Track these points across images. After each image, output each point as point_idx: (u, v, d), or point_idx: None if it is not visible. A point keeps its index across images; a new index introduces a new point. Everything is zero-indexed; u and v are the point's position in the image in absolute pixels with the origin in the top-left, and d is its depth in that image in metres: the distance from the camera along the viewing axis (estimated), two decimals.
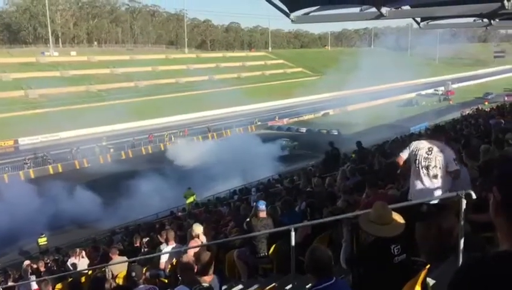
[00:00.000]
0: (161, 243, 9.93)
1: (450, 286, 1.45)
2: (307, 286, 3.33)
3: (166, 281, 8.46)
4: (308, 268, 3.26)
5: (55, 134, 49.35)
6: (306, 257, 3.31)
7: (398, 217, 4.03)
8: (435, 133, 5.85)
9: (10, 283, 13.32)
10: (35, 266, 15.17)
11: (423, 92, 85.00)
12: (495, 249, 1.57)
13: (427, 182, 5.21)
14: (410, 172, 5.42)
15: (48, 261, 17.10)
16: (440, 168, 5.17)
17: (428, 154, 5.24)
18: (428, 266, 3.86)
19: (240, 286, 7.46)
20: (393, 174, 7.91)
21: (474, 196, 4.13)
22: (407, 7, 6.79)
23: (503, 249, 1.51)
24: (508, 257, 1.44)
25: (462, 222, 4.24)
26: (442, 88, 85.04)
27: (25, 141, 47.30)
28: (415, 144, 5.46)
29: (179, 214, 20.43)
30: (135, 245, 12.87)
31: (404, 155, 5.55)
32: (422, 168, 5.24)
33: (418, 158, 5.28)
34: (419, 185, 5.26)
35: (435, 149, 5.25)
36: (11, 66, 69.78)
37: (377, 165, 10.88)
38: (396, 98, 79.30)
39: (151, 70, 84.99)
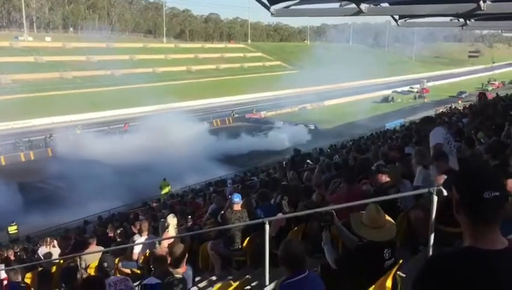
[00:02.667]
0: (134, 233, 9.85)
1: (414, 283, 1.49)
2: (280, 279, 3.33)
3: (139, 272, 8.39)
4: (282, 261, 3.27)
5: (27, 121, 48.17)
6: (280, 250, 3.32)
7: (390, 220, 4.06)
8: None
9: None
10: (4, 254, 14.89)
11: (399, 90, 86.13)
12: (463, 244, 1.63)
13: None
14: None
15: (18, 250, 16.78)
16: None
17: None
18: (400, 261, 3.93)
19: (213, 278, 7.45)
20: (367, 169, 8.01)
21: (445, 193, 4.20)
22: (385, 4, 6.86)
23: (466, 245, 1.56)
24: (469, 253, 1.49)
25: (433, 218, 4.31)
26: (418, 86, 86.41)
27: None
28: (440, 128, 6.41)
29: (154, 204, 20.27)
30: (109, 235, 12.73)
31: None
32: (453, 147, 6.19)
33: (450, 140, 6.13)
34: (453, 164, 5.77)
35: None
36: None
37: (352, 160, 10.99)
38: (372, 94, 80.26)
39: (129, 58, 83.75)
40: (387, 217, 4.10)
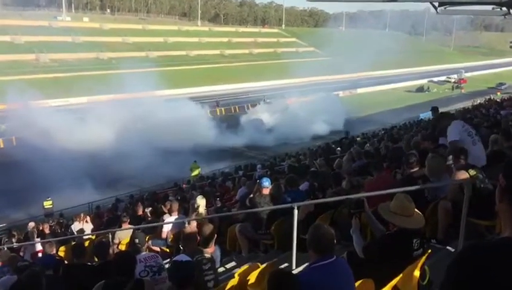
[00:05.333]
0: (164, 213, 10.06)
1: (449, 268, 1.48)
2: (308, 263, 3.36)
3: (167, 250, 8.59)
4: (310, 245, 3.29)
5: (64, 99, 49.34)
6: (309, 234, 3.33)
7: (417, 211, 4.04)
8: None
9: (14, 243, 13.57)
10: (40, 228, 15.45)
11: (435, 79, 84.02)
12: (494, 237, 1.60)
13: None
14: None
15: (53, 224, 17.39)
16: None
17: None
18: (429, 251, 3.90)
19: (240, 260, 7.56)
20: (399, 159, 7.92)
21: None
22: None
23: (505, 236, 1.54)
24: (509, 244, 1.47)
25: (465, 209, 4.25)
26: (455, 76, 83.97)
27: (35, 104, 47.25)
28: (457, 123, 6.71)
29: (184, 186, 20.57)
30: (138, 214, 13.03)
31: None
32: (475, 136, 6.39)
33: (470, 131, 6.44)
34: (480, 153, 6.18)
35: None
36: (23, 28, 69.62)
37: (383, 149, 10.87)
38: (407, 83, 78.59)
39: (163, 41, 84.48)
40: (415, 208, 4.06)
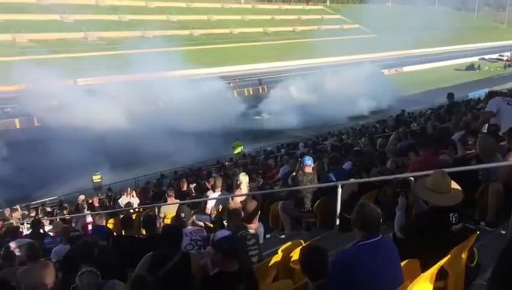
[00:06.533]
0: (208, 189, 10.25)
1: (503, 254, 1.43)
2: (354, 241, 3.35)
3: (211, 226, 8.78)
4: (356, 223, 3.27)
5: (111, 77, 50.46)
6: (354, 212, 3.32)
7: (456, 186, 3.94)
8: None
9: (66, 215, 14.23)
10: (89, 201, 16.12)
11: (486, 57, 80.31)
12: None
13: None
14: None
15: (102, 197, 18.07)
16: None
17: None
18: (477, 233, 3.81)
19: (283, 237, 7.64)
20: (447, 139, 7.72)
21: None
22: None
23: None
24: None
25: None
26: (508, 54, 79.90)
27: (82, 82, 48.74)
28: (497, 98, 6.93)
29: (226, 163, 20.83)
30: (183, 190, 13.34)
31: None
32: None
33: (509, 101, 6.64)
34: None
35: None
36: (71, 7, 71.32)
37: (430, 129, 10.59)
38: (457, 61, 75.58)
39: (207, 19, 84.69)
40: (454, 184, 3.95)
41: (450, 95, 13.11)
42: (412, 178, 4.76)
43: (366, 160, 8.20)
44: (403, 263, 3.33)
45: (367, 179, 6.60)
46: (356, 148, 10.73)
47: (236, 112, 39.96)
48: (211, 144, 29.78)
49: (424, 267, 3.31)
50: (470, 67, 72.53)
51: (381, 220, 3.25)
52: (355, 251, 3.22)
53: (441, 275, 3.38)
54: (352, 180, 6.78)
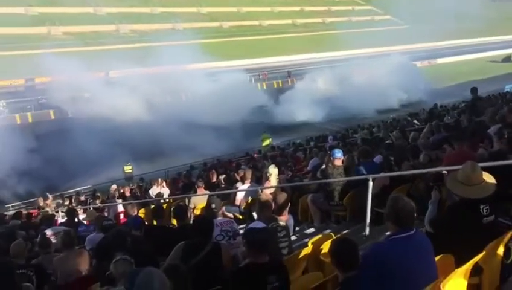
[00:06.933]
0: (237, 181, 10.31)
1: None
2: (387, 233, 3.32)
3: (240, 217, 8.84)
4: (389, 217, 3.24)
5: (141, 69, 51.01)
6: (388, 206, 3.28)
7: (488, 178, 3.84)
8: None
9: (98, 204, 14.55)
10: (121, 190, 16.44)
11: None
12: None
13: None
14: None
15: (133, 187, 18.40)
16: None
17: None
18: None
19: (312, 230, 7.63)
20: (482, 132, 7.53)
21: None
22: None
23: None
24: None
25: None
26: None
27: (114, 74, 49.44)
28: None
29: (255, 155, 20.88)
30: (212, 181, 13.45)
31: None
32: None
33: None
34: None
35: None
36: (104, 0, 72.52)
37: (465, 122, 10.34)
38: (492, 53, 73.34)
39: (236, 11, 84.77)
40: (487, 176, 3.85)
41: (474, 90, 12.78)
42: (446, 172, 4.67)
43: (397, 153, 8.08)
44: (436, 258, 3.28)
45: (399, 173, 6.52)
46: (387, 142, 10.60)
47: (263, 104, 40.00)
48: (236, 138, 30.16)
49: (458, 263, 3.26)
50: (506, 59, 70.20)
51: (415, 215, 3.21)
52: (388, 245, 3.19)
53: (476, 271, 3.33)
54: (383, 173, 6.70)
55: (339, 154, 7.66)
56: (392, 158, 7.71)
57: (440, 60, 66.93)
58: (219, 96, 36.92)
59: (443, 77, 53.03)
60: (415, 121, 18.54)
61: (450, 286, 2.88)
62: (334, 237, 4.64)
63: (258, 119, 34.93)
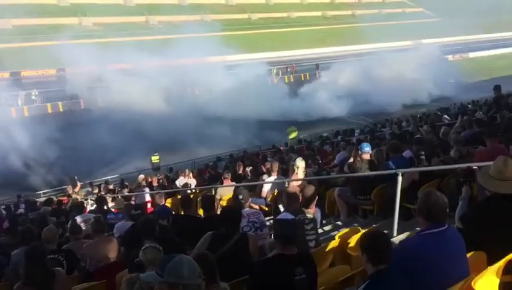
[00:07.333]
0: (264, 173, 10.33)
1: None
2: (417, 228, 3.28)
3: (266, 209, 8.86)
4: (421, 212, 3.19)
5: (168, 60, 51.32)
6: (420, 200, 3.24)
7: None
8: None
9: (126, 193, 14.82)
10: (149, 180, 16.68)
11: None
12: None
13: None
14: None
15: (160, 177, 18.64)
16: None
17: None
18: None
19: (339, 223, 7.59)
20: None
21: None
22: None
23: None
24: None
25: None
26: None
27: (142, 65, 49.73)
28: None
29: (281, 148, 20.86)
30: (238, 173, 13.51)
31: None
32: None
33: None
34: None
35: None
36: None
37: (498, 118, 10.08)
38: None
39: (265, 2, 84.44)
40: None
41: (497, 88, 12.44)
42: (477, 167, 4.58)
43: (427, 148, 7.94)
44: (468, 255, 3.22)
45: (430, 168, 6.41)
46: (417, 136, 10.41)
47: (289, 97, 39.89)
48: (256, 132, 30.49)
49: (490, 260, 3.19)
50: None
51: (447, 210, 3.16)
52: (419, 240, 3.15)
53: (509, 269, 3.25)
54: (413, 168, 6.60)
55: (367, 148, 7.60)
56: (423, 153, 7.58)
57: (472, 54, 65.27)
58: (242, 90, 37.06)
59: (476, 71, 51.76)
60: (445, 116, 18.14)
61: (481, 284, 2.82)
62: (363, 231, 4.61)
63: (284, 113, 34.91)
